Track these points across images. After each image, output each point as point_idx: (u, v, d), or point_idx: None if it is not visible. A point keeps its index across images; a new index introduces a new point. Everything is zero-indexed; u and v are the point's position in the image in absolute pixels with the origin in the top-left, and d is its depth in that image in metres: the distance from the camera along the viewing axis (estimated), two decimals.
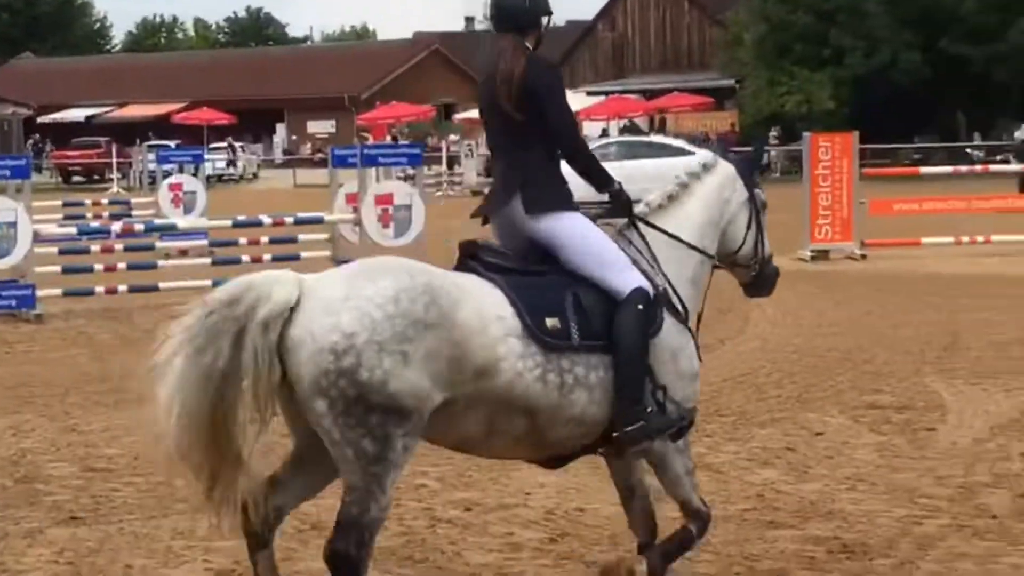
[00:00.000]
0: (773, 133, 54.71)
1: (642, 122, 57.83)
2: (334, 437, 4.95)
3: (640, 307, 5.40)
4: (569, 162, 5.66)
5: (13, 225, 15.09)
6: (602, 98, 60.69)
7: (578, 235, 5.53)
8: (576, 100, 59.67)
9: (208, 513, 5.21)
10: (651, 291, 5.49)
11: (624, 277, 5.48)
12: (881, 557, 6.33)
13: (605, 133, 53.09)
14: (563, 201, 5.58)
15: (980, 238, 20.83)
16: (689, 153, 33.61)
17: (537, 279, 5.40)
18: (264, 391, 4.96)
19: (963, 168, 27.31)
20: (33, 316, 15.02)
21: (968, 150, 47.28)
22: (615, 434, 5.40)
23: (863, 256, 20.02)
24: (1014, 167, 22.26)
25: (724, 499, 7.36)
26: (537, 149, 5.57)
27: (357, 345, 4.88)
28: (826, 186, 20.53)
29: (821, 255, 20.28)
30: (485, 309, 5.15)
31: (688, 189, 5.92)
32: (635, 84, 64.57)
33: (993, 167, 26.20)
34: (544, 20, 5.72)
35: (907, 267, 18.98)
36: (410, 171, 20.84)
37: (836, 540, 6.60)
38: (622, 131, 50.39)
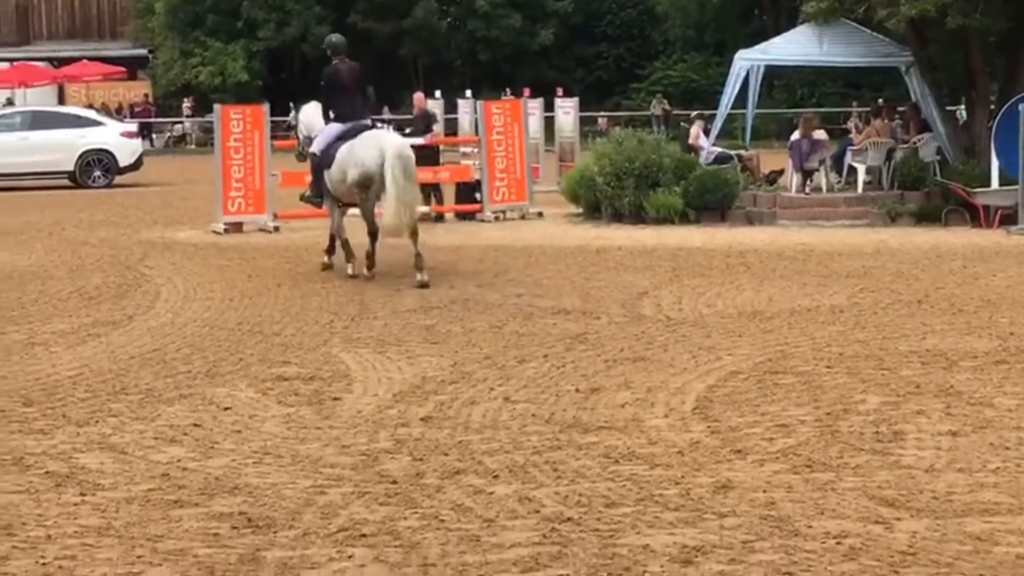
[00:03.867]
0: (187, 104, 54.18)
1: (51, 91, 55.71)
2: None
3: None
4: None
5: None
6: (6, 65, 57.85)
7: None
8: None
9: None
10: None
11: None
12: (285, 529, 6.35)
13: (10, 102, 50.64)
14: None
15: None
16: (99, 124, 32.67)
17: None
18: None
19: None
20: None
21: (377, 124, 48.60)
22: None
23: (276, 228, 20.16)
24: (415, 141, 23.02)
25: (128, 480, 7.20)
26: None
27: None
28: (238, 158, 20.47)
29: (235, 227, 20.25)
30: None
31: None
32: (42, 51, 61.97)
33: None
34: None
35: (318, 238, 19.25)
36: None
37: (241, 515, 6.55)
38: None
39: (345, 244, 15.49)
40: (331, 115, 15.43)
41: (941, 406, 8.67)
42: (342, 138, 14.99)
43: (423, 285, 14.22)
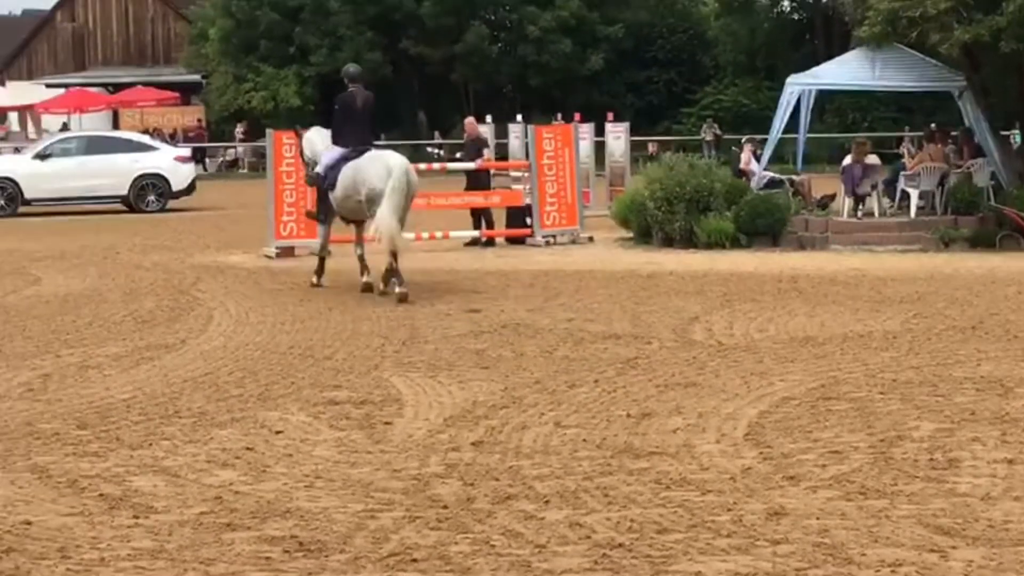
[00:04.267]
0: (239, 129, 54.60)
1: (106, 116, 56.39)
2: None
3: None
4: None
5: None
6: (62, 91, 58.54)
7: None
8: (34, 93, 57.37)
9: None
10: None
11: None
12: (336, 553, 6.36)
13: (66, 127, 51.20)
14: None
15: (439, 234, 21.59)
16: (153, 149, 32.98)
17: None
18: None
19: (422, 166, 28.08)
20: None
21: (428, 148, 48.88)
22: None
23: (329, 252, 20.16)
24: (467, 165, 23.12)
25: (181, 503, 7.22)
26: None
27: None
28: (290, 183, 20.58)
29: (287, 251, 20.35)
30: None
31: None
32: (97, 77, 62.75)
33: (451, 165, 27.10)
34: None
35: (369, 262, 19.30)
36: None
37: (293, 539, 6.57)
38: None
39: (321, 261, 16.77)
40: (336, 139, 16.20)
41: (997, 433, 8.58)
42: (345, 159, 15.79)
43: (372, 290, 15.61)
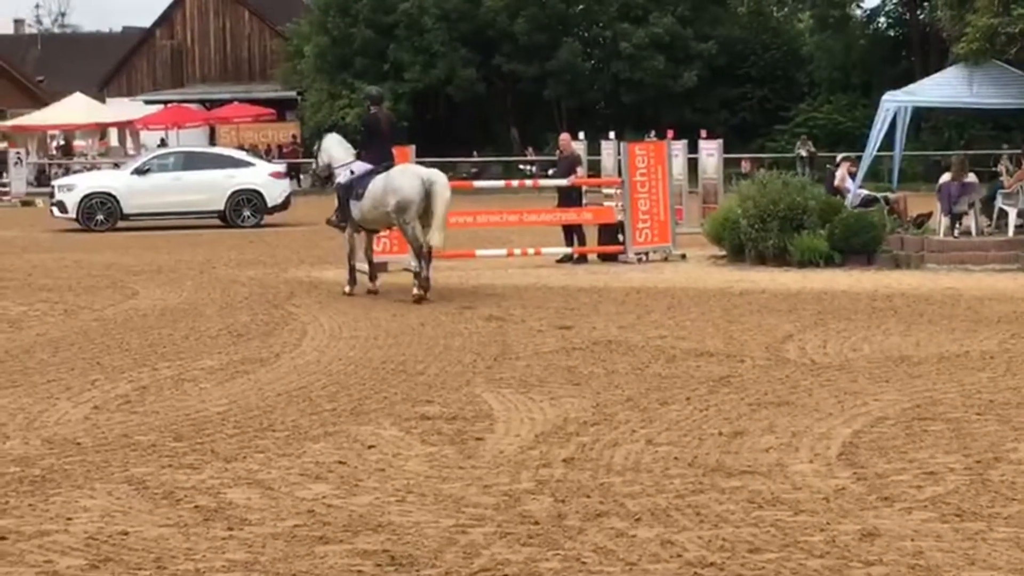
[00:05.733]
0: None
1: (203, 132, 57.14)
2: None
3: None
4: None
5: None
6: (160, 107, 59.46)
7: None
8: (134, 109, 58.32)
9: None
10: None
11: None
12: (427, 567, 6.40)
13: (164, 143, 51.97)
14: None
15: (531, 250, 21.64)
16: (249, 165, 33.36)
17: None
18: None
19: (515, 183, 28.22)
20: None
21: (521, 165, 48.99)
22: None
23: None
24: (559, 182, 23.17)
25: (274, 516, 7.30)
26: None
27: None
28: None
29: (380, 267, 20.41)
30: None
31: None
32: (194, 94, 63.67)
33: (543, 182, 27.16)
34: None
35: (462, 278, 19.47)
36: None
37: (384, 553, 6.62)
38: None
39: (352, 269, 17.72)
40: (364, 156, 17.62)
41: None
42: (374, 173, 17.11)
43: (420, 299, 16.45)
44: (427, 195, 16.60)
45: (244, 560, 6.54)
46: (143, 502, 7.62)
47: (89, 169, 44.33)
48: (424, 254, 16.70)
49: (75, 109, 53.66)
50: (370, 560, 6.52)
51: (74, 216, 31.38)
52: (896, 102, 22.57)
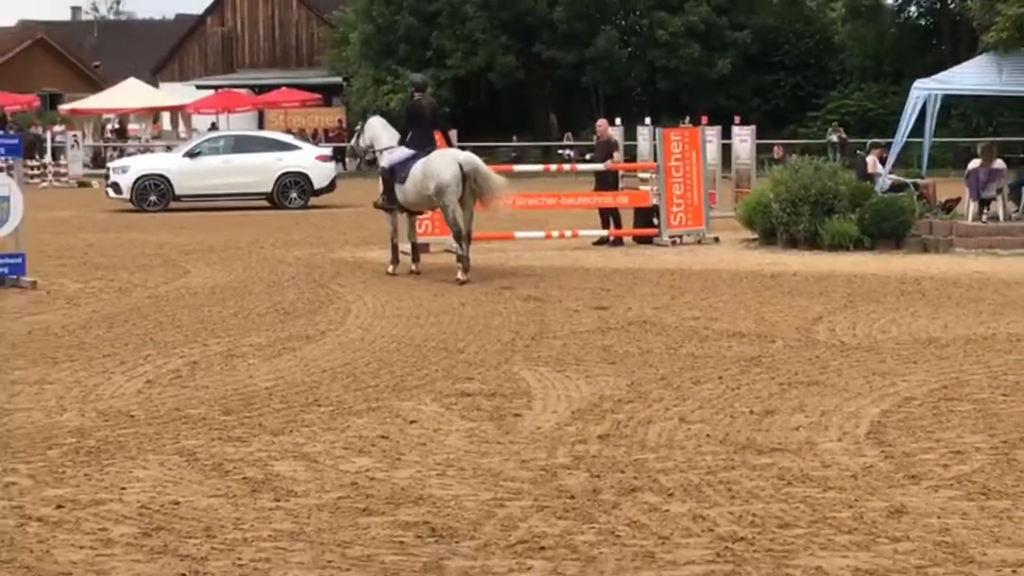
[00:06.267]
0: None
1: (252, 116, 57.62)
2: None
3: None
4: None
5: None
6: (211, 92, 59.86)
7: None
8: (186, 93, 58.84)
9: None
10: None
11: None
12: (467, 539, 6.57)
13: (215, 127, 52.38)
14: None
15: (568, 233, 21.83)
16: (296, 148, 33.65)
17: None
18: None
19: (553, 167, 28.39)
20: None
21: (559, 150, 49.10)
22: None
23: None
24: (596, 167, 23.36)
25: (319, 488, 7.52)
26: None
27: None
28: None
29: (422, 248, 20.62)
30: None
31: None
32: (244, 79, 64.16)
33: (580, 166, 27.32)
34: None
35: (502, 260, 19.68)
36: (9, 161, 20.03)
37: (425, 524, 6.79)
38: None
39: (395, 248, 18.28)
40: (407, 141, 18.11)
41: None
42: (415, 158, 17.66)
43: (463, 282, 16.72)
44: (464, 177, 17.10)
45: (290, 530, 6.75)
46: (193, 473, 7.87)
47: (143, 152, 44.88)
48: (464, 237, 17.10)
49: (129, 94, 54.34)
50: (411, 531, 6.70)
51: (128, 197, 31.86)
52: (926, 90, 22.63)
